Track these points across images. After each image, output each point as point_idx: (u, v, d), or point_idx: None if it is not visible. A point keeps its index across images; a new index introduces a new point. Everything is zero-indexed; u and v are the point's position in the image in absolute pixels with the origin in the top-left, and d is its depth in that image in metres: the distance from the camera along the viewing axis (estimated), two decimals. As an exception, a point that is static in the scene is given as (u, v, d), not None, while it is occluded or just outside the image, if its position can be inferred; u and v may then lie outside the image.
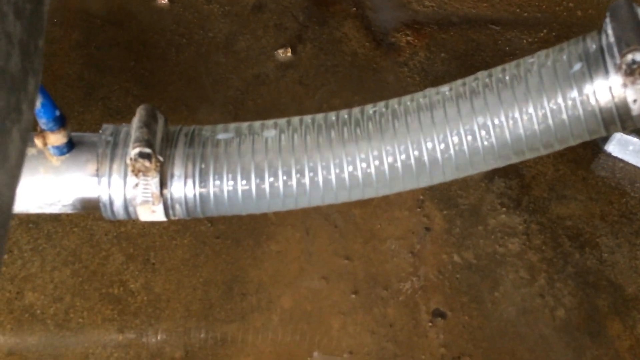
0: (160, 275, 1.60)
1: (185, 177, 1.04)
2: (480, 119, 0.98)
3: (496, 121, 0.98)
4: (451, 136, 1.00)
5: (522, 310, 1.62)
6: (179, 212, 1.07)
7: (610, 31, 0.93)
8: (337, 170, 1.03)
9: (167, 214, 1.07)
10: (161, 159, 1.03)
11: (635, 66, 0.90)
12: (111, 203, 1.06)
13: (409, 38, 2.13)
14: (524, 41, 2.14)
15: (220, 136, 1.07)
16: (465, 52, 2.10)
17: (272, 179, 1.04)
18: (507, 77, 0.99)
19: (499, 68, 1.02)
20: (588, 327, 1.61)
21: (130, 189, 1.05)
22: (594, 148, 1.91)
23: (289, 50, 2.05)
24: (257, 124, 1.09)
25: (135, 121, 1.05)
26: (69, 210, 1.11)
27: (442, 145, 1.00)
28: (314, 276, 1.63)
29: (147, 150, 1.01)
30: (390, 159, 1.02)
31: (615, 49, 0.92)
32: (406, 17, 2.19)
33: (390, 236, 1.71)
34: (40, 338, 1.51)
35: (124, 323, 1.53)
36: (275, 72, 2.01)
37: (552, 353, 1.57)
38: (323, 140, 1.03)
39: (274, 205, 1.07)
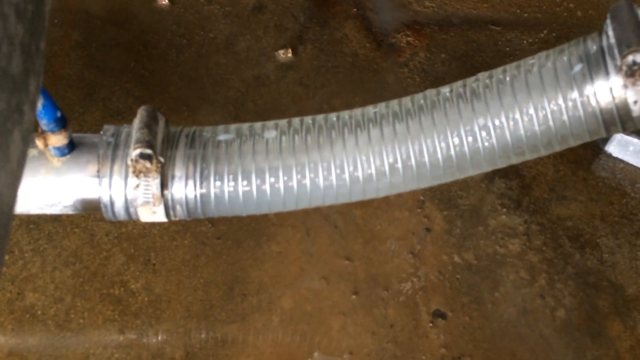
0: (161, 275, 1.60)
1: (186, 178, 1.04)
2: (481, 120, 0.98)
3: (497, 122, 0.98)
4: (452, 137, 1.00)
5: (522, 311, 1.62)
6: (180, 213, 1.07)
7: (610, 32, 0.93)
8: (338, 171, 1.03)
9: (168, 214, 1.07)
10: (162, 160, 1.03)
11: (635, 67, 0.90)
12: (112, 204, 1.06)
13: (409, 39, 2.13)
14: (524, 42, 2.14)
15: (221, 137, 1.07)
16: (466, 52, 2.10)
17: (272, 180, 1.04)
18: (507, 78, 0.99)
19: (499, 69, 1.02)
20: (588, 328, 1.61)
21: (131, 190, 1.05)
22: (594, 149, 1.91)
23: (290, 51, 2.05)
24: (257, 125, 1.09)
25: (136, 122, 1.05)
26: (69, 211, 1.11)
27: (443, 146, 1.00)
28: (315, 277, 1.63)
29: (148, 151, 1.01)
30: (390, 160, 1.02)
31: (615, 50, 0.92)
32: (407, 18, 2.19)
33: (391, 237, 1.71)
34: (41, 339, 1.51)
35: (124, 324, 1.53)
36: (276, 72, 2.01)
37: (552, 354, 1.57)
38: (324, 141, 1.04)
39: (274, 206, 1.07)
